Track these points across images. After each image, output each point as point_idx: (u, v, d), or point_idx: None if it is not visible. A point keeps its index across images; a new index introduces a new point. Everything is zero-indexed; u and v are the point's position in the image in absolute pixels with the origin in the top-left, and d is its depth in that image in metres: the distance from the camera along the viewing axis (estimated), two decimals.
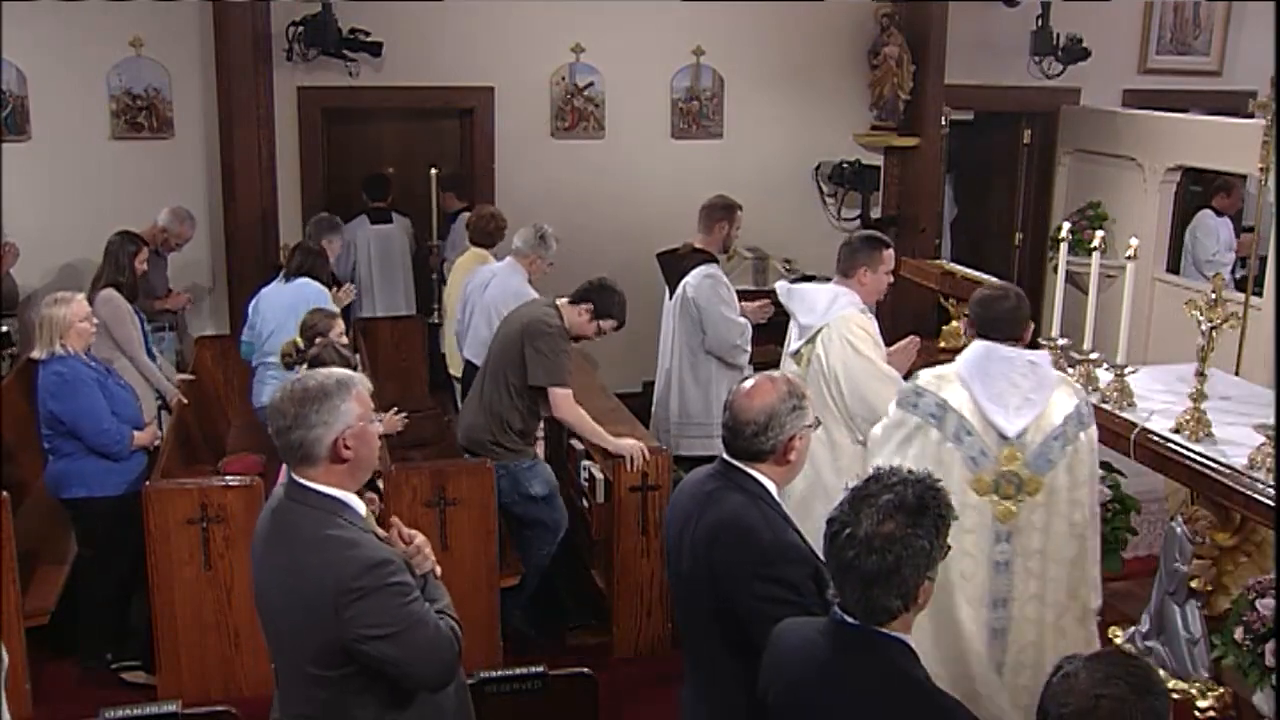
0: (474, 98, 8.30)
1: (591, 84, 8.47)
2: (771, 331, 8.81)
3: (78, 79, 7.62)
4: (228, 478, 5.23)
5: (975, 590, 3.95)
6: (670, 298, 6.39)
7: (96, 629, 5.35)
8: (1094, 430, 4.00)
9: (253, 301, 6.49)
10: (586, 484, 5.58)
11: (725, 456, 3.15)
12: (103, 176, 7.75)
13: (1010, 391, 3.88)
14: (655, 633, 5.45)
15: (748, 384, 3.13)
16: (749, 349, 6.25)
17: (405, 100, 8.22)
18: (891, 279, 5.05)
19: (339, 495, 2.90)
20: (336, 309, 6.01)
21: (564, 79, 8.43)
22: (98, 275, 6.44)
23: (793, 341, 5.10)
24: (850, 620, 2.59)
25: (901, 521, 2.52)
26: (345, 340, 5.50)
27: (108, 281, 6.30)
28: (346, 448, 2.88)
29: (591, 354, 7.03)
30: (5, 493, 4.79)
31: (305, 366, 4.78)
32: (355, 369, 4.99)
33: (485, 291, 6.39)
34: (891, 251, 5.01)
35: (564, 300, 5.37)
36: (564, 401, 5.28)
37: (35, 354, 5.34)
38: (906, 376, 4.70)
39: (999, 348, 3.94)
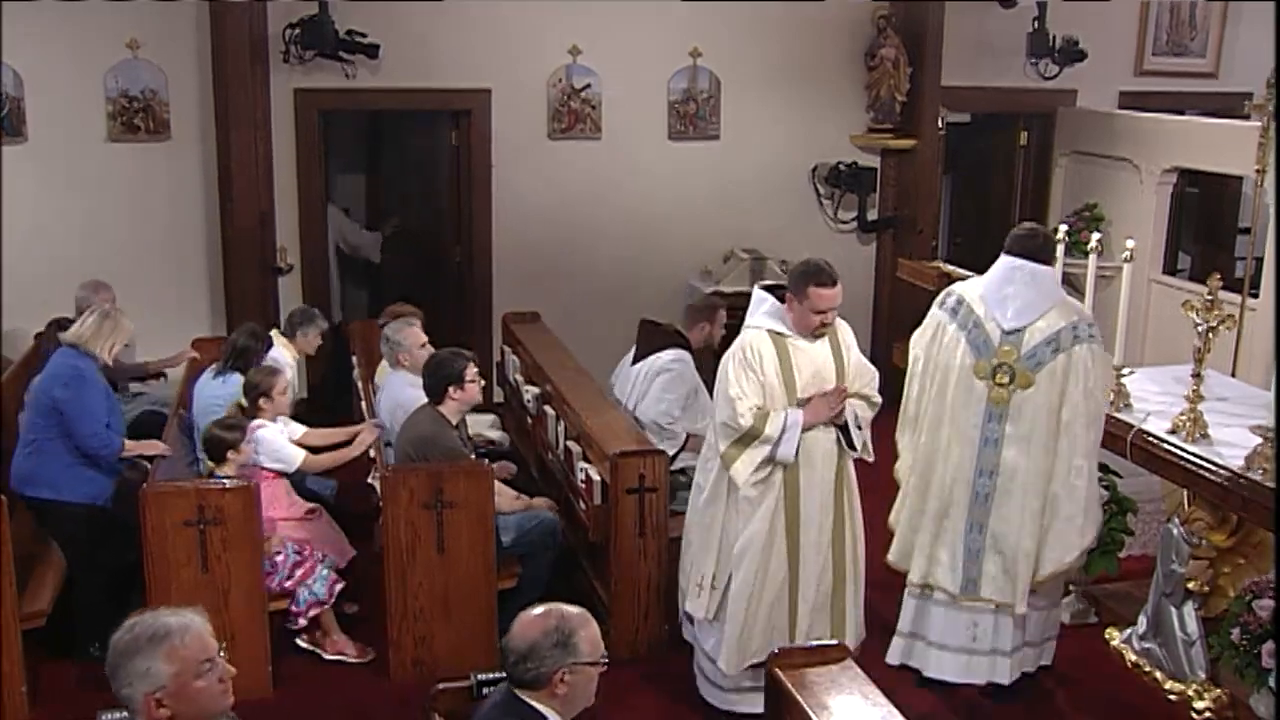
0: (471, 99, 8.30)
1: (589, 85, 8.47)
2: None
3: (74, 81, 7.60)
4: (224, 479, 5.22)
5: (967, 457, 4.79)
6: (633, 363, 6.45)
7: (93, 630, 5.34)
8: (1093, 347, 4.69)
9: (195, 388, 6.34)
10: (584, 485, 5.57)
11: (508, 685, 3.15)
12: (99, 178, 7.74)
13: (1015, 296, 4.75)
14: (652, 634, 5.45)
15: (529, 612, 3.14)
16: (675, 428, 6.24)
17: (402, 102, 8.22)
18: (818, 321, 4.64)
19: None
20: (284, 366, 6.20)
21: (561, 80, 8.43)
22: (29, 357, 6.55)
23: None
24: None
25: None
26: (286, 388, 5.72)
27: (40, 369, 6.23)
28: (161, 706, 2.70)
29: (589, 359, 7.02)
30: (3, 496, 4.77)
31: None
32: (240, 443, 5.28)
33: None
34: (825, 291, 4.60)
35: (430, 404, 5.52)
36: None
37: (67, 335, 5.44)
38: (843, 428, 4.75)
39: (1018, 261, 4.78)
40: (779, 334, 4.69)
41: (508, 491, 5.65)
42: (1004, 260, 4.86)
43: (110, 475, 5.42)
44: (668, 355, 6.30)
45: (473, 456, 5.60)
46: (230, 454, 5.29)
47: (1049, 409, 4.68)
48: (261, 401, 5.64)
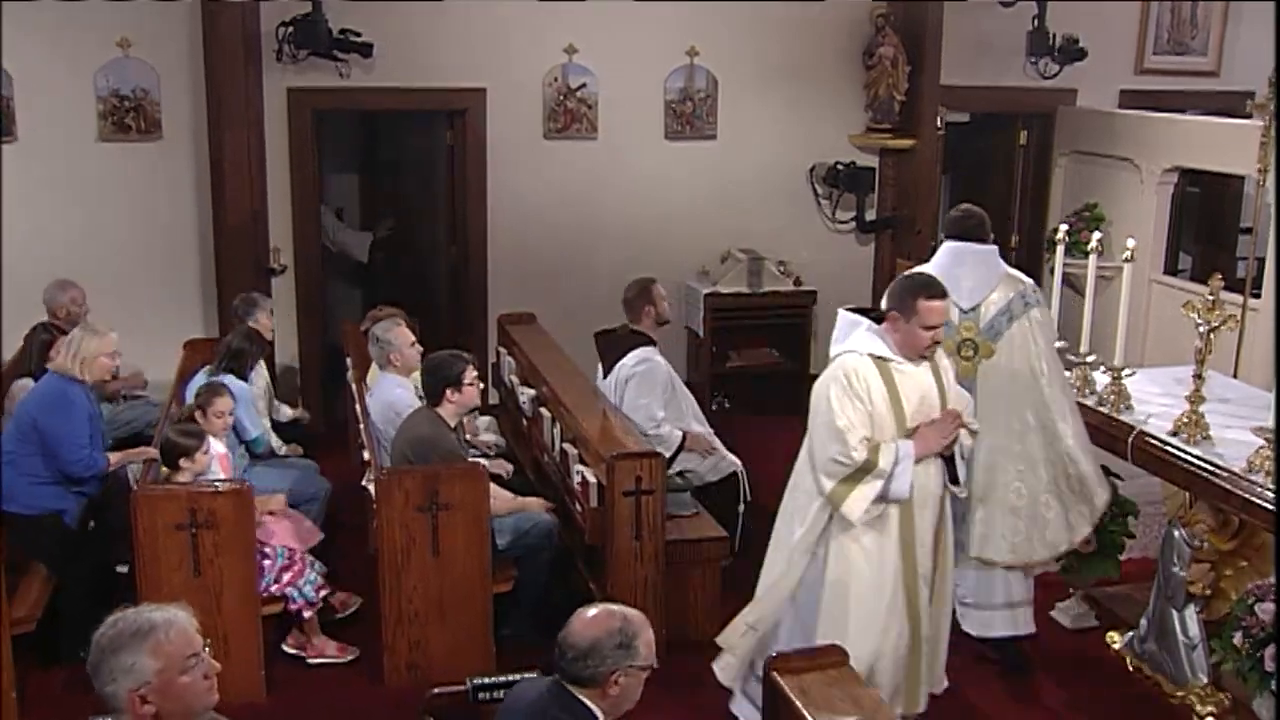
0: (466, 99, 8.25)
1: (584, 85, 8.43)
2: (771, 334, 8.85)
3: (65, 80, 7.55)
4: (216, 482, 5.17)
5: None
6: (604, 377, 6.38)
7: (78, 635, 5.28)
8: (1041, 309, 5.05)
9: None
10: (580, 488, 5.53)
11: (558, 678, 3.13)
12: (91, 178, 7.69)
13: (966, 276, 5.00)
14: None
15: (588, 610, 3.15)
16: (663, 430, 6.10)
17: (397, 102, 8.17)
18: (929, 339, 4.29)
19: None
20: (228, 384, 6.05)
21: (557, 80, 8.38)
22: (16, 360, 6.51)
23: None
24: None
25: None
26: (227, 412, 5.59)
27: (24, 371, 6.32)
28: (145, 702, 2.65)
29: (586, 361, 6.97)
30: None
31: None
32: (195, 451, 5.10)
33: None
34: (936, 304, 4.28)
35: (428, 406, 5.50)
36: None
37: (53, 366, 5.46)
38: (949, 460, 4.47)
39: (961, 244, 5.09)
40: (881, 358, 4.30)
41: (503, 494, 5.60)
42: (949, 245, 5.14)
43: (83, 495, 5.39)
44: (631, 360, 6.23)
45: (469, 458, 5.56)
46: (184, 461, 5.11)
47: (1012, 371, 4.99)
48: (196, 415, 5.52)
